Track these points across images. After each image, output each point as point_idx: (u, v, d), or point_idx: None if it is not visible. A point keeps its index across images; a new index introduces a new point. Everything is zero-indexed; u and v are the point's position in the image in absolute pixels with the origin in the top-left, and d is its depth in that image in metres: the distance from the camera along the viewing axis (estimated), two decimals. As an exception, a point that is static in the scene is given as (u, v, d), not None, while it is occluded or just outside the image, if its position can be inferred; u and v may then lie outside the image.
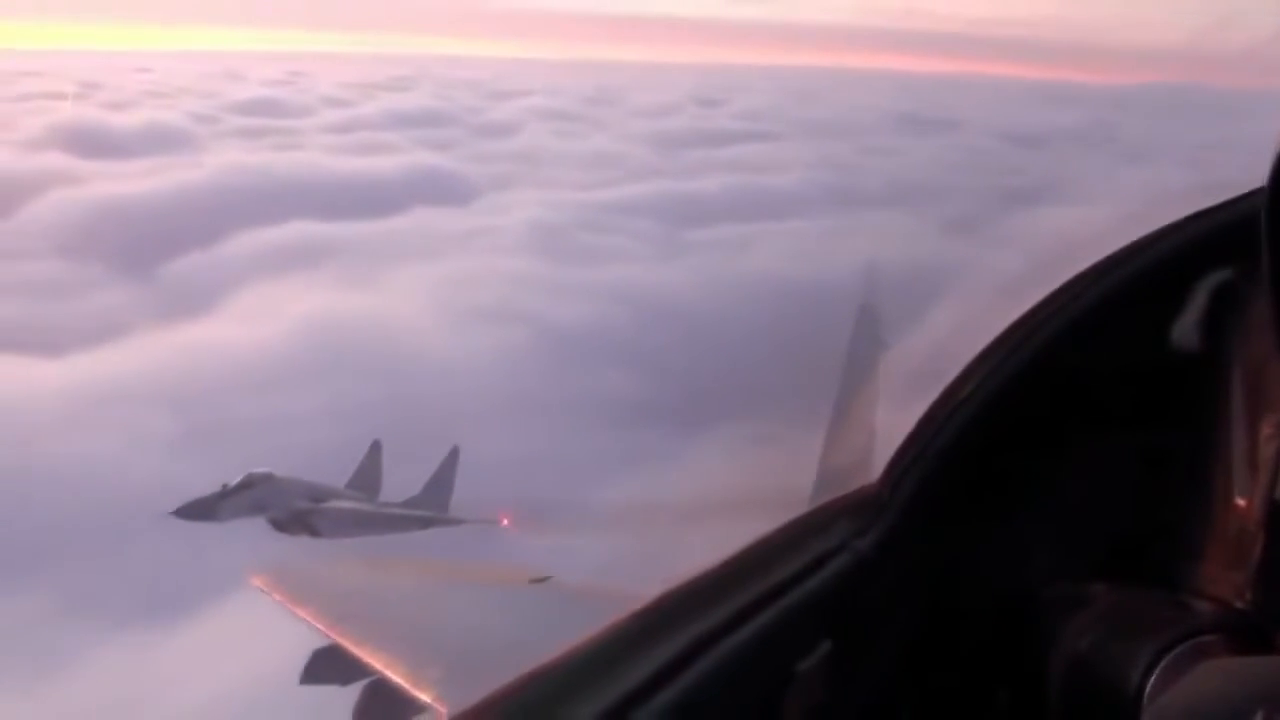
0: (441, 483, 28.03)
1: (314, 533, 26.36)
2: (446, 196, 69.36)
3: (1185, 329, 2.31)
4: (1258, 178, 2.07)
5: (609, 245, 58.73)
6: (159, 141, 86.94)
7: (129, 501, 25.88)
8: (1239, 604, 2.10)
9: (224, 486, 25.08)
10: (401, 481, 27.19)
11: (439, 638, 7.99)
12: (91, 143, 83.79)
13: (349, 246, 55.77)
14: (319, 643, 8.51)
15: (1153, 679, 1.97)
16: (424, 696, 7.10)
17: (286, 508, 26.20)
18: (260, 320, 42.11)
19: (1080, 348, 2.41)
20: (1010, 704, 2.32)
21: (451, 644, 7.71)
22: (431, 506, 27.91)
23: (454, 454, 28.10)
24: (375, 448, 28.42)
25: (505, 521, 27.42)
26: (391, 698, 7.59)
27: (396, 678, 7.47)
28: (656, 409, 37.69)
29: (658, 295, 49.65)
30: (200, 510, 24.83)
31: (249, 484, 25.60)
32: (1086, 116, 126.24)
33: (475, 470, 27.55)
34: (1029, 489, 2.40)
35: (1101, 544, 2.39)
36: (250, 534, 24.58)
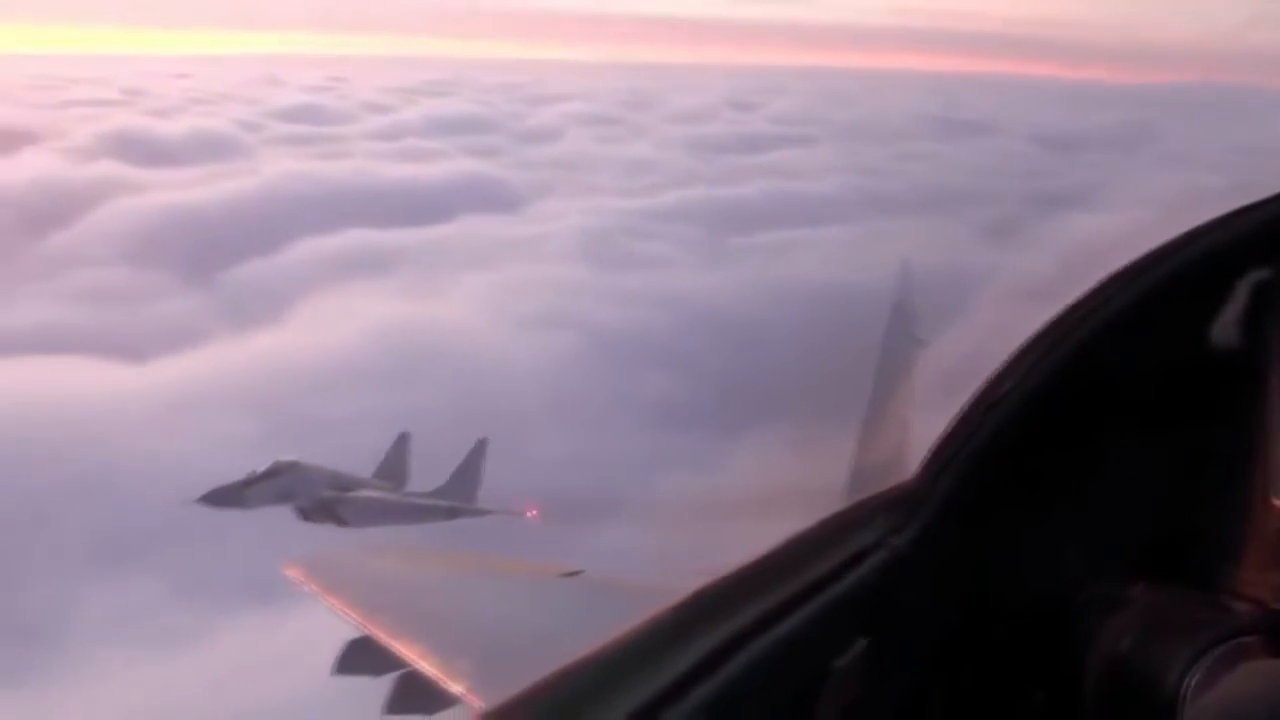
0: (468, 473, 28.22)
1: (340, 521, 26.44)
2: (494, 204, 71.16)
3: (1223, 327, 2.29)
4: None
5: (654, 252, 60.55)
6: (207, 149, 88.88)
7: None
8: (1277, 605, 2.08)
9: (250, 474, 25.30)
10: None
11: (471, 630, 7.93)
12: (142, 150, 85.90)
13: (405, 254, 57.48)
14: (352, 634, 8.36)
15: (1191, 681, 1.97)
16: (456, 689, 6.95)
17: (312, 496, 26.21)
18: (328, 326, 43.90)
19: (1118, 345, 2.39)
20: (1046, 705, 2.32)
21: (484, 636, 7.68)
22: (458, 497, 28.03)
23: (481, 445, 28.36)
24: (402, 439, 28.61)
25: (531, 513, 27.84)
26: (423, 690, 7.47)
27: (429, 669, 7.28)
28: (702, 411, 39.08)
29: (703, 301, 51.06)
30: (226, 497, 25.03)
31: (275, 472, 25.73)
32: (1118, 118, 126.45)
33: (524, 467, 29.39)
34: (1066, 487, 2.38)
35: (1139, 544, 2.38)
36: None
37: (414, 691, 7.67)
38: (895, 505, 2.36)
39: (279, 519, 24.93)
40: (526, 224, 66.34)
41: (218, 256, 56.75)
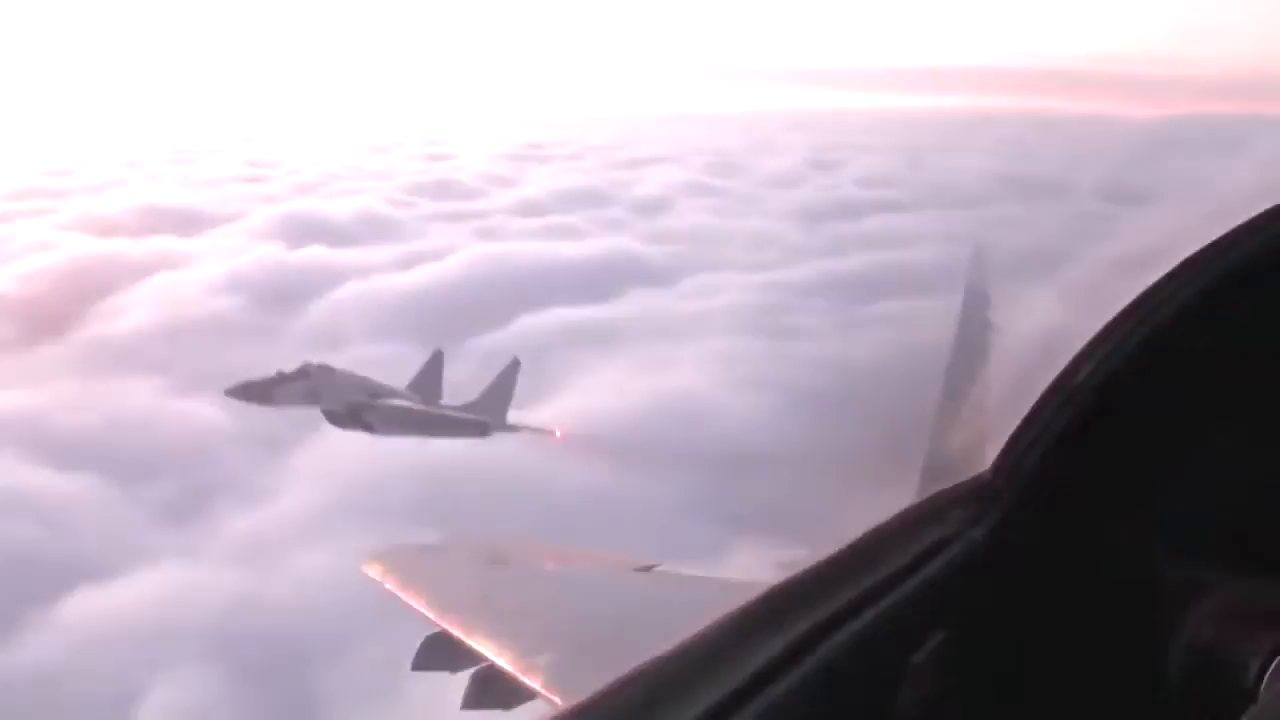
0: (499, 392, 29.44)
1: (368, 428, 27.41)
2: (648, 279, 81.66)
3: None
4: None
5: (800, 324, 70.53)
6: (378, 230, 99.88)
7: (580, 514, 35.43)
8: None
9: (278, 373, 26.39)
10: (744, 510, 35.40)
11: (548, 625, 8.31)
12: (326, 232, 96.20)
13: (612, 329, 66.98)
14: (429, 630, 8.94)
15: (1270, 672, 2.07)
16: (534, 684, 7.26)
17: (341, 400, 27.01)
18: (603, 393, 54.02)
19: (1196, 329, 2.42)
20: (1125, 692, 2.42)
21: (561, 632, 8.06)
22: (488, 414, 29.08)
23: (514, 365, 29.99)
24: (437, 356, 30.33)
25: (557, 434, 29.67)
26: (501, 685, 7.86)
27: (506, 665, 7.68)
28: (883, 447, 51.74)
29: (854, 364, 59.12)
30: (254, 392, 26.28)
31: (305, 373, 26.67)
32: (1180, 166, 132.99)
33: (791, 481, 37.26)
34: (1145, 476, 2.48)
35: (1220, 533, 2.45)
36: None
37: (492, 687, 8.33)
38: (971, 497, 2.45)
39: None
40: (687, 300, 76.66)
41: (452, 332, 63.69)
